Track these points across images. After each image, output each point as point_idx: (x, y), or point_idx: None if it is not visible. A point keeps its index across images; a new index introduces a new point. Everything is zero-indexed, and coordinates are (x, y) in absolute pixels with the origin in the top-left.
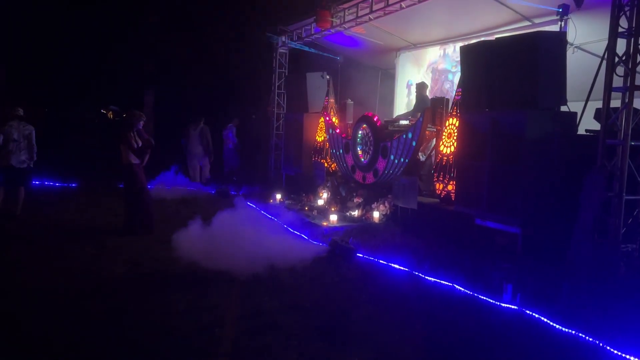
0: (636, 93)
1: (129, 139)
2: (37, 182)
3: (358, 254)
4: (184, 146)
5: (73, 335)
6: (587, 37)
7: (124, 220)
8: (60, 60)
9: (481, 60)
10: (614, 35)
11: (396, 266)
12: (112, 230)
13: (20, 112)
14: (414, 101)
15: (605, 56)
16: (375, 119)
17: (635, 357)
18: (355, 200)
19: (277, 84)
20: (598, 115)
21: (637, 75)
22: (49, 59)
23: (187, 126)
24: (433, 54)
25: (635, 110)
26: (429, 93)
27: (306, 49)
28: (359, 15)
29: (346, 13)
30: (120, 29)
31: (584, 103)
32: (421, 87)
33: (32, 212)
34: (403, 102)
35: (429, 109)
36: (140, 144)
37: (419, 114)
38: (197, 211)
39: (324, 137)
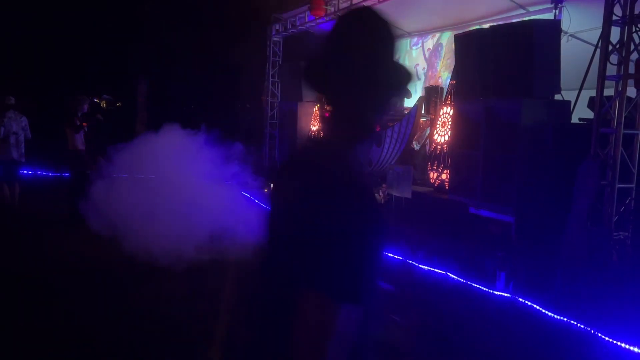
0: (629, 82)
1: (73, 122)
2: (29, 172)
3: None
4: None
5: (69, 324)
6: (581, 25)
7: (66, 209)
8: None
9: (475, 49)
10: (608, 23)
11: (390, 255)
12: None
13: (12, 101)
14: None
15: (599, 44)
16: None
17: (626, 344)
18: None
19: (271, 73)
20: (591, 103)
21: (630, 63)
22: (40, 48)
23: None
24: (428, 42)
25: (629, 98)
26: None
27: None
28: (353, 2)
29: (340, 1)
30: (113, 17)
31: (577, 91)
32: None
33: (29, 204)
34: None
35: (423, 97)
36: (85, 127)
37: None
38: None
39: (319, 126)
